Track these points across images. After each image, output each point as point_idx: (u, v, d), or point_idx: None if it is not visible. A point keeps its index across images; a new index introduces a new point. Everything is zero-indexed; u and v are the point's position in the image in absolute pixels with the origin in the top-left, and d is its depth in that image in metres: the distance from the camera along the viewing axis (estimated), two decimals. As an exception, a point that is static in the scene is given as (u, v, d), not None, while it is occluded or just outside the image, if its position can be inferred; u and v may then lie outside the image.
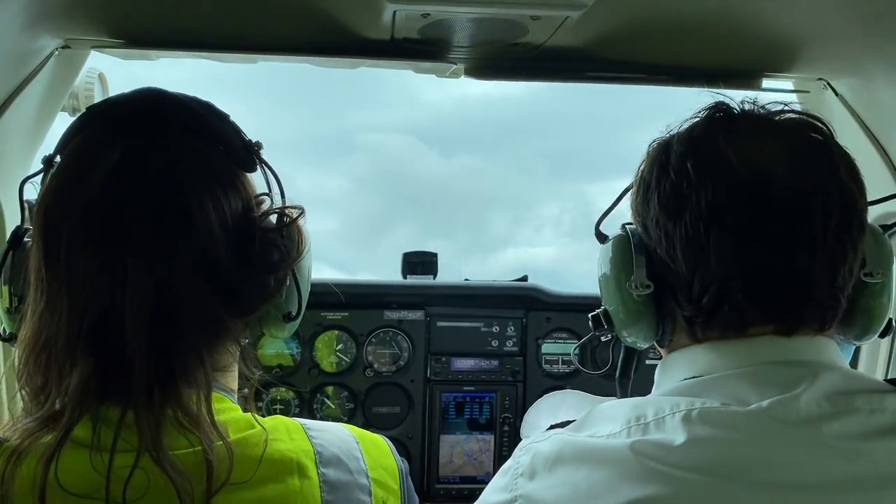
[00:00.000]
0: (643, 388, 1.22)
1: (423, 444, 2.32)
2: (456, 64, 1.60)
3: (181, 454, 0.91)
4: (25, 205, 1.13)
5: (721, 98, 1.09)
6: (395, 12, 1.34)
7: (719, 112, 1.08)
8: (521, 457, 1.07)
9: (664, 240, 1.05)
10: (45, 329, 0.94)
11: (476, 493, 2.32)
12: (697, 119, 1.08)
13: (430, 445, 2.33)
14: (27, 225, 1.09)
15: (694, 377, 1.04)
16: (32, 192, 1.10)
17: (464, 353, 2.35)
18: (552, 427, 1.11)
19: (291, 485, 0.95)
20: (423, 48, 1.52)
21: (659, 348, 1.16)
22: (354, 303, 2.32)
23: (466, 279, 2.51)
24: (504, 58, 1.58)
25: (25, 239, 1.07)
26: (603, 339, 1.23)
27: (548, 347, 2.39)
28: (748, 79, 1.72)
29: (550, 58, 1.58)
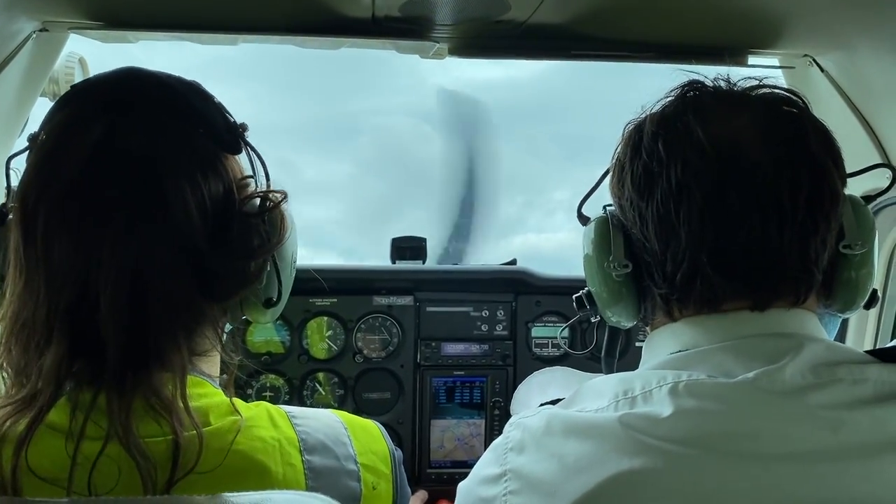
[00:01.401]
0: (631, 370, 1.23)
1: (413, 429, 2.32)
2: (439, 43, 1.59)
3: (152, 441, 0.90)
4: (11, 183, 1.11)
5: (694, 76, 1.09)
6: (374, -11, 1.33)
7: (691, 90, 1.08)
8: (510, 432, 1.07)
9: (638, 219, 1.06)
10: (23, 309, 0.93)
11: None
12: (670, 98, 1.09)
13: (420, 430, 2.33)
14: (12, 203, 1.07)
15: (679, 351, 1.05)
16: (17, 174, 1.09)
17: (454, 338, 2.35)
18: (542, 405, 1.11)
19: (274, 473, 0.94)
20: (405, 27, 1.51)
21: (644, 326, 1.17)
22: (343, 289, 2.31)
23: (455, 263, 2.50)
24: (487, 35, 1.57)
25: (10, 217, 1.05)
26: (592, 319, 1.24)
27: (538, 331, 2.39)
28: (734, 55, 1.71)
29: (534, 35, 1.57)
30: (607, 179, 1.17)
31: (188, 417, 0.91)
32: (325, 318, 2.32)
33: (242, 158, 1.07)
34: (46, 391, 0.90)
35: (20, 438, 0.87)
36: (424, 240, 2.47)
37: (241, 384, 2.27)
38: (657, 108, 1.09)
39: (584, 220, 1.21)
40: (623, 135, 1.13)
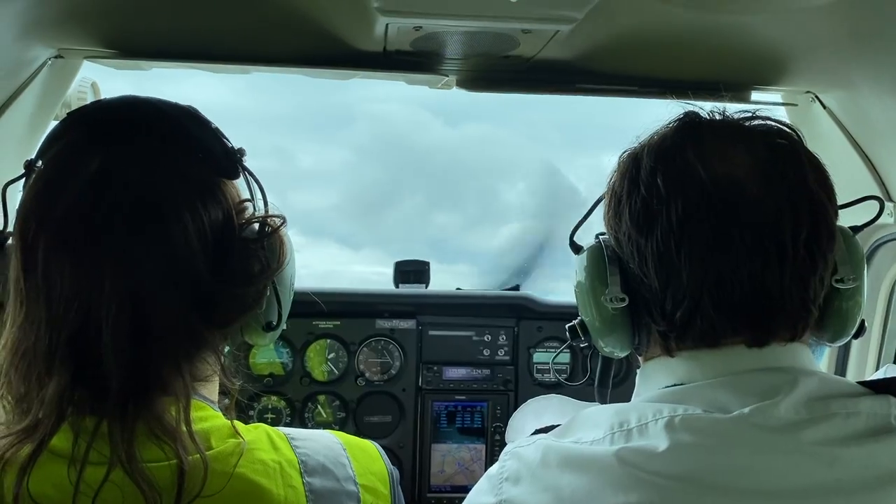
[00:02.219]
0: (629, 397, 1.24)
1: (414, 453, 2.33)
2: (448, 76, 1.61)
3: (155, 467, 0.90)
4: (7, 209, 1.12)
5: (690, 107, 1.10)
6: (387, 25, 1.35)
7: (688, 123, 1.08)
8: (506, 461, 1.07)
9: (636, 255, 1.05)
10: (24, 339, 0.94)
11: (467, 503, 2.33)
12: (666, 131, 1.08)
13: (421, 454, 2.33)
14: (10, 230, 1.08)
15: (675, 385, 1.05)
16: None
17: (455, 362, 2.36)
18: (537, 432, 1.11)
19: (276, 496, 0.95)
20: (415, 60, 1.53)
21: (637, 356, 1.17)
22: (346, 311, 2.32)
23: (458, 288, 2.52)
24: (495, 70, 1.60)
25: (9, 242, 1.05)
26: (583, 347, 1.24)
27: (539, 356, 2.40)
28: (737, 91, 1.73)
29: (541, 70, 1.59)
30: (600, 207, 1.16)
31: (192, 443, 0.92)
32: (328, 341, 2.33)
33: (240, 183, 1.08)
34: (48, 420, 0.90)
35: (22, 466, 0.87)
36: (427, 264, 2.49)
37: (243, 406, 2.27)
38: (654, 139, 1.08)
39: (576, 248, 1.18)
40: (618, 164, 1.12)
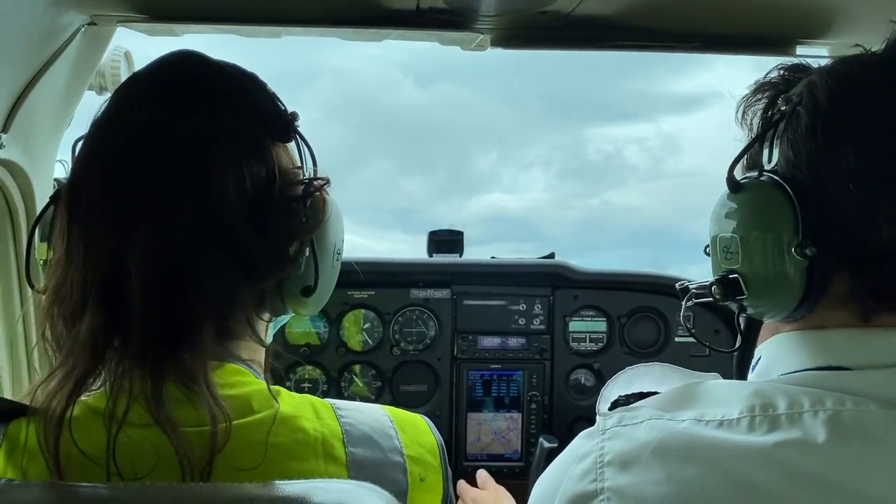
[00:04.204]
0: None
1: (450, 422, 2.33)
2: (482, 34, 1.58)
3: (190, 431, 0.89)
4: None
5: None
6: (420, -20, 1.32)
7: None
8: (606, 441, 0.91)
9: (858, 199, 0.85)
10: (63, 280, 0.95)
11: (504, 471, 2.34)
12: (887, 52, 0.89)
13: (457, 423, 2.33)
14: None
15: (829, 367, 0.88)
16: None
17: (490, 332, 2.35)
18: (624, 397, 1.00)
19: (315, 465, 0.94)
20: (449, 18, 1.50)
21: (772, 320, 1.00)
22: (381, 281, 2.32)
23: (493, 257, 2.50)
24: (531, 27, 1.56)
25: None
26: (733, 306, 1.03)
27: (575, 325, 2.38)
28: (782, 46, 1.68)
29: (578, 26, 1.55)
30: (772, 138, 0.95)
31: (218, 405, 0.91)
32: (363, 311, 2.34)
33: (292, 148, 1.07)
34: (83, 362, 0.91)
35: (61, 411, 0.88)
36: (461, 233, 2.47)
37: (280, 376, 2.29)
38: (869, 58, 0.89)
39: (735, 185, 0.97)
40: (815, 78, 0.91)
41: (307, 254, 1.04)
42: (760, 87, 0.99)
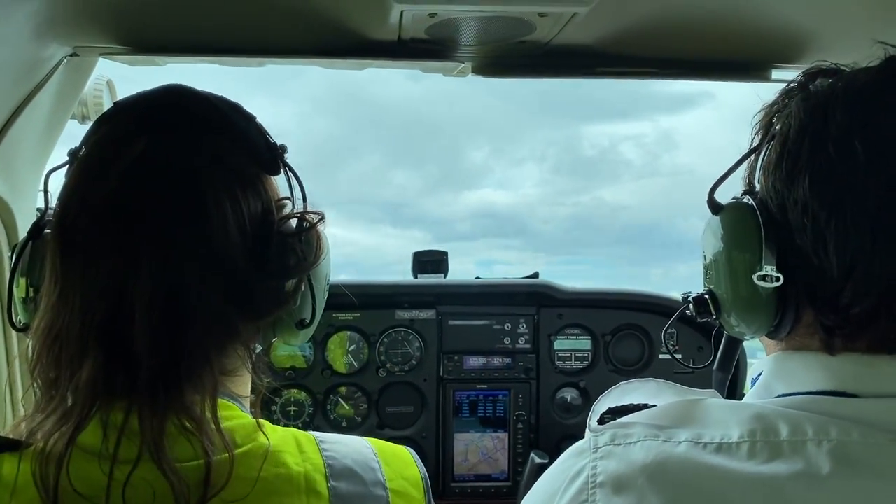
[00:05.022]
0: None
1: (437, 443, 2.33)
2: (463, 63, 1.60)
3: (186, 466, 0.90)
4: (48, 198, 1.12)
5: (892, 50, 0.89)
6: (402, 13, 1.33)
7: (893, 71, 0.87)
8: (599, 461, 0.88)
9: (811, 231, 0.85)
10: (57, 321, 0.94)
11: (492, 491, 2.35)
12: (865, 77, 0.88)
13: (444, 444, 2.33)
14: (49, 217, 1.07)
15: (834, 391, 0.86)
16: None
17: (476, 352, 2.36)
18: (612, 410, 0.99)
19: (296, 501, 0.94)
20: (431, 48, 1.52)
21: (764, 339, 0.99)
22: (366, 303, 2.33)
23: (477, 277, 2.51)
24: (511, 55, 1.58)
25: (46, 230, 1.06)
26: (701, 323, 1.08)
27: (560, 344, 2.40)
28: (758, 70, 1.70)
29: (558, 54, 1.57)
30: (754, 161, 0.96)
31: (220, 438, 0.92)
32: (348, 333, 2.34)
33: (279, 180, 1.08)
34: (81, 405, 0.90)
35: (59, 458, 0.87)
36: (446, 253, 2.49)
37: (265, 400, 2.28)
38: (846, 87, 0.88)
39: (716, 207, 0.97)
40: (790, 109, 0.91)
41: (303, 289, 1.05)
42: (769, 105, 0.99)
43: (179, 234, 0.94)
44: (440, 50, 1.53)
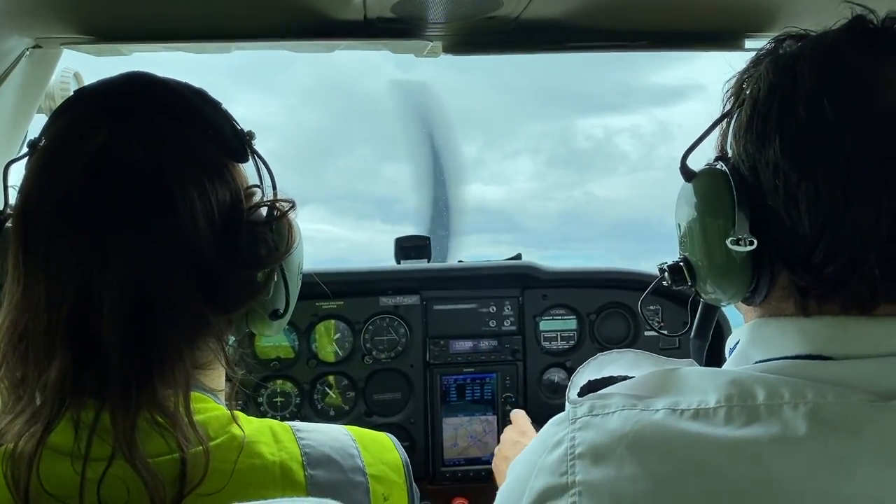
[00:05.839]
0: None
1: (426, 428, 2.32)
2: (433, 42, 1.58)
3: (159, 461, 0.88)
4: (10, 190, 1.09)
5: (858, 9, 0.89)
6: (365, -10, 1.32)
7: (861, 30, 0.87)
8: (577, 431, 0.88)
9: (783, 192, 0.85)
10: (22, 320, 0.91)
11: (482, 474, 2.34)
12: (832, 37, 0.88)
13: (433, 429, 2.33)
14: (10, 211, 1.06)
15: (809, 355, 0.86)
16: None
17: (462, 336, 2.35)
18: (593, 381, 0.98)
19: (272, 491, 0.93)
20: (398, 27, 1.50)
21: (741, 305, 0.99)
22: (349, 291, 2.31)
23: (460, 261, 2.50)
24: (481, 32, 1.56)
25: (8, 224, 1.02)
26: (676, 290, 1.03)
27: (546, 324, 2.39)
28: (731, 40, 1.69)
29: (528, 29, 1.55)
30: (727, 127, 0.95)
31: (193, 433, 0.90)
32: (333, 321, 2.33)
33: (248, 168, 1.06)
34: (51, 405, 0.89)
35: (29, 458, 0.86)
36: (429, 238, 2.48)
37: (251, 391, 2.28)
38: (813, 46, 0.88)
39: (689, 174, 0.97)
40: (759, 71, 0.91)
41: (276, 279, 1.03)
42: (740, 72, 0.98)
43: (145, 227, 0.92)
44: (408, 29, 1.52)
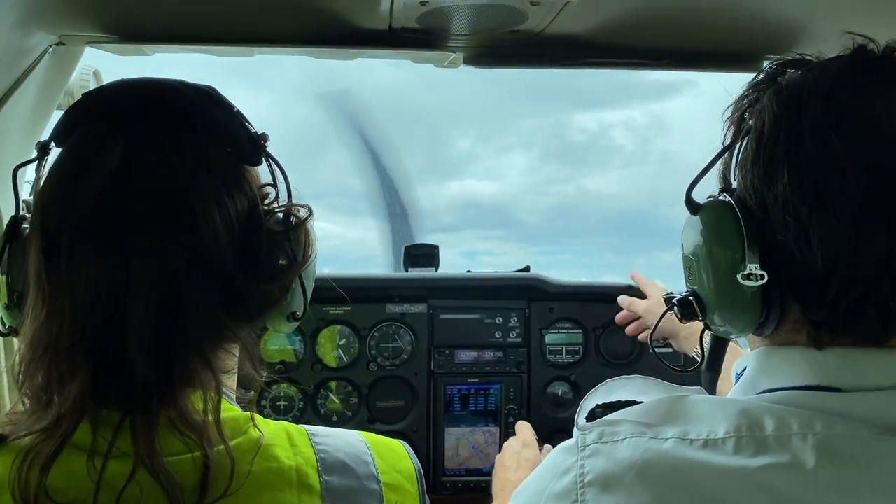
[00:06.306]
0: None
1: (428, 437, 2.32)
2: (455, 52, 1.59)
3: (177, 460, 0.89)
4: (21, 195, 1.08)
5: (862, 41, 0.90)
6: (392, 1, 1.32)
7: (865, 59, 0.88)
8: (587, 459, 0.88)
9: (793, 227, 0.84)
10: (46, 334, 0.91)
11: (483, 486, 2.33)
12: (835, 68, 0.88)
13: (435, 438, 2.32)
14: (23, 213, 1.04)
15: (818, 386, 0.86)
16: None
17: (467, 346, 2.35)
18: (600, 407, 0.99)
19: (288, 495, 0.93)
20: (422, 37, 1.51)
21: (750, 337, 0.98)
22: (356, 297, 2.31)
23: (469, 271, 2.50)
24: (503, 45, 1.57)
25: (24, 226, 1.02)
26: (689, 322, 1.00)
27: (551, 338, 2.39)
28: (749, 61, 1.71)
29: (550, 44, 1.56)
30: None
31: (218, 434, 0.90)
32: (338, 327, 2.32)
33: (260, 169, 1.05)
34: (70, 418, 0.88)
35: (43, 464, 0.86)
36: (437, 247, 2.48)
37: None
38: (817, 77, 0.88)
39: (695, 207, 0.96)
40: (764, 104, 0.90)
41: (294, 286, 1.03)
42: (738, 99, 0.98)
43: (167, 240, 0.92)
44: (431, 39, 1.52)
